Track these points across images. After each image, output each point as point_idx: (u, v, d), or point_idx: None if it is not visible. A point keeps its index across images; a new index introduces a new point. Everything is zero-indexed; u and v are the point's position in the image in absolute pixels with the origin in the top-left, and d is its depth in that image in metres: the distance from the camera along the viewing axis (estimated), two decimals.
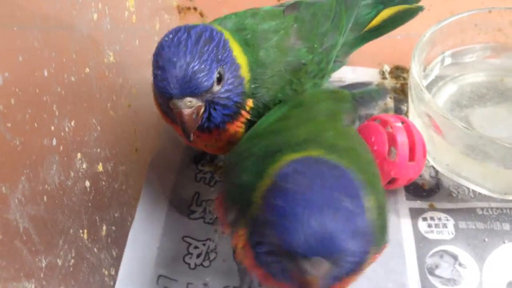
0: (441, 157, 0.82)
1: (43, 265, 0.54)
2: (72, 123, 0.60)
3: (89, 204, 0.64)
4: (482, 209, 0.79)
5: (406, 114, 0.90)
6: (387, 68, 0.97)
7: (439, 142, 0.79)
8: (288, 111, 0.66)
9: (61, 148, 0.58)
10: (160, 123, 0.77)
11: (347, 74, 0.98)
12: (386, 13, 0.81)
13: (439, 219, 0.79)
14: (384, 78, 0.96)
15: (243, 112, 0.65)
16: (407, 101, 0.90)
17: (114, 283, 0.71)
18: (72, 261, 0.59)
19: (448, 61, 0.91)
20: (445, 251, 0.75)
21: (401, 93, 0.94)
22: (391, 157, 0.75)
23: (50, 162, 0.56)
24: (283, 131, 0.61)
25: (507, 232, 0.76)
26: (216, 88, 0.59)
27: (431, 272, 0.73)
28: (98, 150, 0.66)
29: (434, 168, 0.84)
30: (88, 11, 0.65)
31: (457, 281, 0.72)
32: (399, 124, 0.76)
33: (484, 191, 0.79)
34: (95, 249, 0.65)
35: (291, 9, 0.72)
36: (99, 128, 0.67)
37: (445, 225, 0.78)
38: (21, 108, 0.51)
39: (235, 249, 0.54)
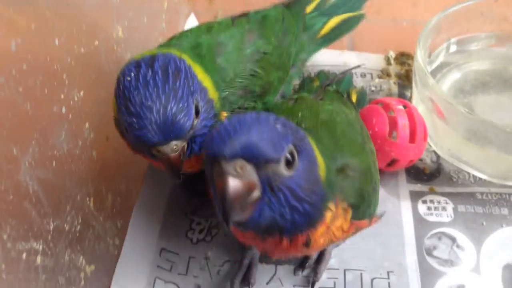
0: (443, 142, 0.83)
1: (51, 228, 0.55)
2: (81, 93, 0.62)
3: (96, 174, 0.65)
4: (481, 193, 0.80)
5: (410, 99, 0.91)
6: (392, 54, 0.98)
7: (441, 127, 0.80)
8: None
9: (70, 116, 0.59)
10: None
11: (351, 59, 0.98)
12: (334, 21, 0.85)
13: (439, 202, 0.80)
14: (389, 64, 0.97)
15: None
16: (411, 87, 0.91)
17: (118, 252, 0.73)
18: (79, 227, 0.61)
19: (453, 48, 0.92)
20: (444, 233, 0.76)
21: (405, 79, 0.95)
22: (391, 138, 0.76)
23: (59, 129, 0.57)
24: None
25: (506, 217, 0.77)
26: (196, 121, 0.54)
27: (429, 253, 0.74)
28: (106, 121, 0.68)
29: (435, 153, 0.85)
30: None
31: (454, 262, 0.73)
32: (401, 107, 0.77)
33: (484, 176, 0.80)
34: (101, 218, 0.66)
35: (239, 16, 0.72)
36: (107, 100, 0.68)
37: (444, 208, 0.79)
38: (32, 74, 0.52)
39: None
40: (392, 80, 0.95)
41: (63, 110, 0.58)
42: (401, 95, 0.93)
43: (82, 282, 0.63)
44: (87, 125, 0.63)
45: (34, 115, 0.52)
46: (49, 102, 0.55)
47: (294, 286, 0.73)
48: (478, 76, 0.90)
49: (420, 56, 0.80)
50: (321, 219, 0.50)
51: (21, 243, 0.50)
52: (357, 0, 0.87)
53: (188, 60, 0.56)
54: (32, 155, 0.52)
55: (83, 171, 0.62)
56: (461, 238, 0.76)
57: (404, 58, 0.97)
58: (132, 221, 0.78)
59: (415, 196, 0.81)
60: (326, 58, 0.96)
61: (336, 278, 0.73)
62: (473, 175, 0.82)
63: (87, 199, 0.63)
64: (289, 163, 0.44)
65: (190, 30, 0.68)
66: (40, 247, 0.53)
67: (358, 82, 0.96)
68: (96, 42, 0.65)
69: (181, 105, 0.51)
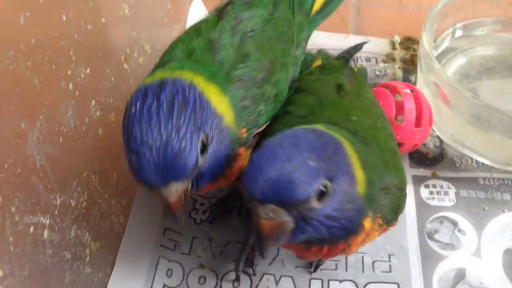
0: (447, 127, 0.83)
1: (58, 203, 0.56)
2: (88, 71, 0.61)
3: (102, 152, 0.65)
4: (484, 179, 0.80)
5: (414, 84, 0.91)
6: (397, 38, 0.98)
7: (446, 111, 0.80)
8: (291, 96, 0.67)
9: (77, 93, 0.59)
10: None
11: (356, 43, 0.98)
12: None
13: (441, 186, 0.80)
14: (394, 48, 0.97)
15: (240, 151, 0.57)
16: (415, 72, 0.91)
17: (123, 230, 0.74)
18: (85, 203, 0.61)
19: (459, 33, 0.91)
20: (445, 217, 0.77)
21: (410, 64, 0.95)
22: (397, 122, 0.76)
23: (66, 105, 0.57)
24: (288, 113, 0.62)
25: (507, 202, 0.78)
26: (201, 160, 0.49)
27: (430, 237, 0.75)
28: (112, 100, 0.68)
29: (439, 138, 0.85)
30: None
31: (456, 246, 0.74)
32: (408, 91, 0.77)
33: (486, 162, 0.81)
34: (106, 196, 0.67)
35: (225, 6, 0.66)
36: (113, 78, 0.68)
37: (446, 193, 0.80)
38: (40, 49, 0.52)
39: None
40: (397, 65, 0.95)
41: (70, 86, 0.58)
42: (406, 80, 0.93)
43: (88, 258, 0.63)
44: (93, 102, 0.63)
45: (42, 90, 0.52)
46: (56, 78, 0.55)
47: (296, 267, 0.74)
48: (484, 61, 0.90)
49: (425, 41, 0.80)
50: (362, 228, 0.51)
51: (28, 216, 0.50)
52: None
53: (201, 82, 0.51)
54: (40, 130, 0.52)
55: (89, 148, 0.62)
56: (463, 222, 0.76)
57: (409, 43, 0.97)
58: (136, 199, 0.78)
59: (418, 181, 0.81)
60: (331, 42, 0.96)
61: (338, 261, 0.74)
62: (476, 160, 0.82)
63: (93, 176, 0.64)
64: (322, 195, 0.45)
65: (180, 39, 0.63)
66: (47, 221, 0.54)
67: (363, 66, 0.95)
68: (103, 20, 0.65)
69: (183, 144, 0.46)
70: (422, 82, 0.83)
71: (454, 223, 0.76)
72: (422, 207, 0.78)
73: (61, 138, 0.56)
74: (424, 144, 0.84)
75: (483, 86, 0.87)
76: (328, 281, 0.72)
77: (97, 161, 0.64)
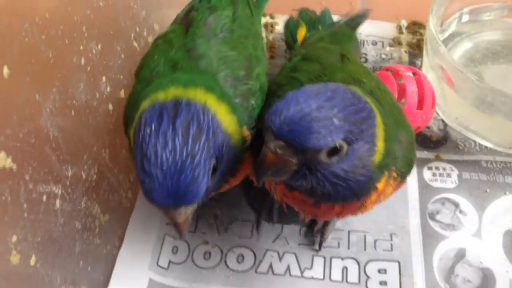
0: (451, 110, 0.84)
1: (69, 174, 0.57)
2: (99, 47, 0.63)
3: (111, 127, 0.67)
4: (486, 162, 0.82)
5: (420, 69, 0.91)
6: (404, 23, 0.98)
7: (451, 95, 0.81)
8: (297, 63, 0.68)
9: (89, 68, 0.61)
10: None
11: (363, 26, 0.98)
12: None
13: (444, 169, 0.81)
14: (400, 32, 0.97)
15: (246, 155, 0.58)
16: (421, 57, 0.92)
17: (131, 205, 0.75)
18: (95, 176, 0.63)
19: (465, 18, 0.92)
20: (447, 199, 0.78)
21: (416, 48, 0.95)
22: (400, 104, 0.77)
23: (78, 80, 0.58)
24: (295, 79, 0.63)
25: (509, 185, 0.79)
26: (211, 182, 0.51)
27: (432, 217, 0.76)
28: (121, 77, 0.69)
29: (443, 121, 0.86)
30: None
31: (456, 226, 0.75)
32: (410, 74, 0.78)
33: (490, 145, 0.82)
34: (115, 170, 0.68)
35: (188, 13, 0.67)
36: (123, 56, 0.69)
37: (449, 175, 0.81)
38: (54, 23, 0.53)
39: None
40: (403, 49, 0.95)
41: (82, 61, 0.59)
42: (412, 64, 0.94)
43: (97, 230, 0.65)
44: (104, 78, 0.65)
45: (55, 64, 0.54)
46: (69, 52, 0.56)
47: (299, 244, 0.75)
48: (489, 46, 0.91)
49: (432, 24, 0.80)
50: (374, 189, 0.53)
51: (41, 185, 0.52)
52: None
53: (213, 103, 0.52)
54: (53, 103, 0.53)
55: (99, 122, 0.63)
56: (464, 203, 0.78)
57: (416, 27, 0.98)
58: None
59: (421, 163, 0.82)
60: None
61: (341, 239, 0.76)
62: (479, 144, 0.83)
63: (103, 151, 0.65)
64: (334, 153, 0.46)
65: (150, 54, 0.62)
66: (59, 191, 0.55)
67: (369, 49, 0.96)
68: None
69: (197, 172, 0.47)
70: (428, 65, 0.84)
71: (456, 205, 0.77)
72: (425, 188, 0.79)
73: (73, 112, 0.57)
74: (428, 127, 0.85)
75: (488, 70, 0.87)
76: (331, 258, 0.74)
77: (107, 136, 0.66)
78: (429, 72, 0.84)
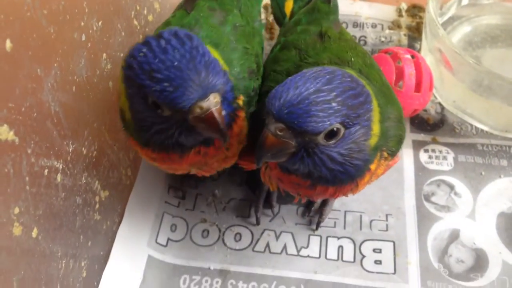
0: (449, 94, 0.85)
1: (70, 149, 0.58)
2: (100, 24, 0.63)
3: (112, 104, 0.67)
4: (482, 145, 0.82)
5: (419, 51, 0.92)
6: (404, 6, 0.98)
7: (448, 78, 0.81)
8: (277, 53, 0.68)
9: (89, 45, 0.61)
10: None
11: (363, 9, 0.99)
12: None
13: (440, 151, 0.82)
14: (400, 15, 0.98)
15: (239, 112, 0.60)
16: (420, 40, 0.92)
17: (131, 182, 0.76)
18: (95, 152, 0.64)
19: (465, 1, 0.92)
20: (443, 181, 0.79)
21: (415, 31, 0.95)
22: (398, 87, 0.77)
23: (79, 56, 0.59)
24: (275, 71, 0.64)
25: (504, 168, 0.80)
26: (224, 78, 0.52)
27: (427, 199, 0.78)
28: (121, 54, 0.69)
29: (440, 104, 0.87)
30: None
31: (451, 208, 0.76)
32: (408, 56, 0.78)
33: (486, 128, 0.83)
34: (115, 148, 0.69)
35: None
36: (123, 33, 0.69)
37: (445, 158, 0.82)
38: None
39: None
40: (403, 32, 0.95)
41: (83, 37, 0.59)
42: (411, 47, 0.94)
43: (97, 206, 0.66)
44: (104, 55, 0.65)
45: (57, 39, 0.54)
46: (70, 28, 0.57)
47: (296, 224, 0.77)
48: (488, 30, 0.91)
49: (432, 7, 0.81)
50: (368, 170, 0.55)
51: (43, 159, 0.53)
52: None
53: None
54: (54, 78, 0.54)
55: (100, 99, 0.64)
56: (460, 186, 0.79)
57: (416, 11, 0.98)
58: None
59: (418, 145, 0.83)
60: None
61: (337, 219, 0.77)
62: (476, 127, 0.84)
63: (103, 127, 0.66)
64: (331, 136, 0.48)
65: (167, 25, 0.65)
66: (60, 166, 0.56)
67: (369, 32, 0.96)
68: None
69: (206, 58, 0.49)
70: (426, 48, 0.84)
71: (451, 187, 0.79)
72: (421, 170, 0.80)
73: (74, 87, 0.58)
74: (425, 110, 0.86)
75: (486, 54, 0.88)
76: (327, 238, 0.75)
77: (107, 113, 0.66)
78: (427, 55, 0.84)
